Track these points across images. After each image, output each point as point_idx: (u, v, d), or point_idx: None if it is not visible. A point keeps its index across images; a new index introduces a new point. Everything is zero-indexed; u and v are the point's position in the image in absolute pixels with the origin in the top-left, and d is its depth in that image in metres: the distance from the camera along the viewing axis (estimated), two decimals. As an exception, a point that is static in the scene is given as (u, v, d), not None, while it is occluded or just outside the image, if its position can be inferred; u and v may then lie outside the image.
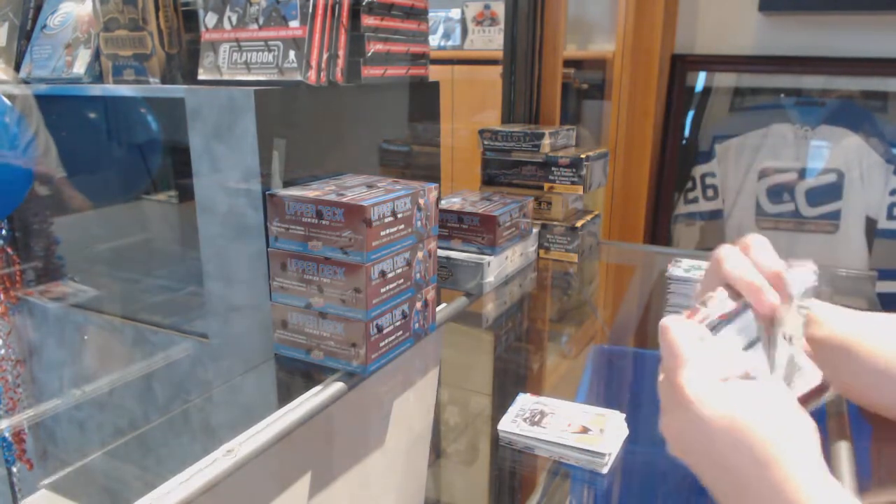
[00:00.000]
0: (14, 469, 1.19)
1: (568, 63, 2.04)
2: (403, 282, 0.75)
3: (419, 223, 0.77)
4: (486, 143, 1.28)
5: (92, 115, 1.15)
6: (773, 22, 1.93)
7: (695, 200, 2.04)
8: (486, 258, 1.01)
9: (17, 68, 1.02)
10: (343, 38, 0.83)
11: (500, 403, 0.88)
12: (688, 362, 0.46)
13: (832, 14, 1.83)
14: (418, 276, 0.78)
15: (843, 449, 0.65)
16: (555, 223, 1.24)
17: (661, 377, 0.49)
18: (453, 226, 1.05)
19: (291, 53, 0.78)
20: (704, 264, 1.11)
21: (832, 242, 1.88)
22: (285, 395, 0.73)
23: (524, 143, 1.24)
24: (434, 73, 1.04)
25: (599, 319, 1.34)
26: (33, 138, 1.05)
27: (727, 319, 0.50)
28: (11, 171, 1.03)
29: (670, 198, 2.08)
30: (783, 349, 0.52)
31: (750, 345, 0.50)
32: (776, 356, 0.51)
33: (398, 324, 0.76)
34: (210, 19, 0.83)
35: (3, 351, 1.16)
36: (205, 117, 0.78)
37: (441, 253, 1.03)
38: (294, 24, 0.78)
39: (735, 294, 0.52)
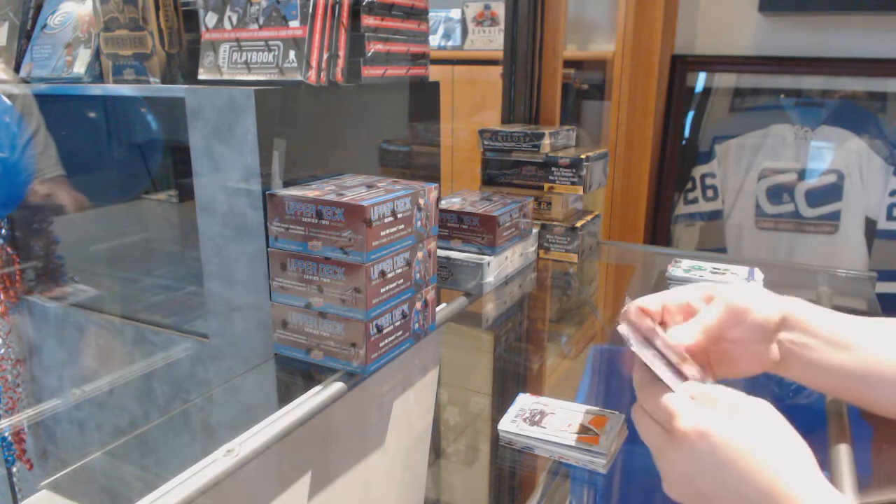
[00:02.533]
0: (14, 469, 1.19)
1: (568, 63, 2.04)
2: (403, 282, 0.75)
3: (419, 223, 0.77)
4: (486, 143, 1.28)
5: (92, 115, 1.15)
6: (773, 22, 1.93)
7: (695, 201, 2.04)
8: (486, 258, 1.01)
9: (18, 68, 1.02)
10: (343, 38, 0.83)
11: (500, 403, 0.88)
12: (675, 412, 0.48)
13: (832, 14, 1.83)
14: (418, 276, 0.78)
15: (843, 449, 0.65)
16: (555, 223, 1.24)
17: (657, 442, 0.50)
18: (453, 226, 1.05)
19: (291, 53, 0.78)
20: (705, 265, 1.11)
21: (832, 243, 1.88)
22: (285, 395, 0.73)
23: (524, 143, 1.24)
24: (434, 73, 1.04)
25: (599, 319, 1.34)
26: (32, 137, 1.05)
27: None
28: (11, 171, 1.03)
29: (670, 198, 2.08)
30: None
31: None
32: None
33: (398, 324, 0.76)
34: (210, 19, 0.84)
35: (2, 350, 1.16)
36: (205, 117, 0.78)
37: (441, 253, 1.03)
38: (294, 24, 0.78)
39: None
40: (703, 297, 0.60)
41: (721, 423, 0.45)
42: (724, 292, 0.59)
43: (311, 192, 0.72)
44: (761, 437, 0.44)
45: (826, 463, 0.65)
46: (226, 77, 0.82)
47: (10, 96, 1.01)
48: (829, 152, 1.88)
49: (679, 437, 0.46)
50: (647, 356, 0.51)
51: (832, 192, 1.87)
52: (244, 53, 0.81)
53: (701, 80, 2.04)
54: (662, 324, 0.61)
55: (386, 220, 0.71)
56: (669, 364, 0.52)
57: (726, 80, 2.02)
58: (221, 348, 0.87)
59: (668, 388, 0.50)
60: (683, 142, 2.06)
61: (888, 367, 0.55)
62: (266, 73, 0.80)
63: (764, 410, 0.47)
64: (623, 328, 0.56)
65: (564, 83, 1.64)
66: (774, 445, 0.44)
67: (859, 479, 0.61)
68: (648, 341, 0.54)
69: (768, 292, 0.60)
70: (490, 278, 1.02)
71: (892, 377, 0.55)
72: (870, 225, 1.85)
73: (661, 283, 1.07)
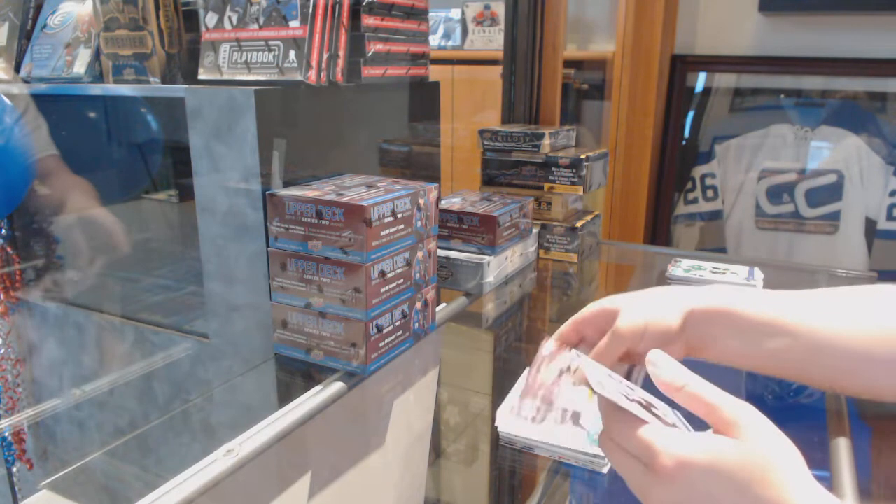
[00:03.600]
0: (14, 469, 1.19)
1: (568, 63, 2.04)
2: (403, 282, 0.75)
3: (419, 223, 0.77)
4: (486, 143, 1.28)
5: (92, 115, 1.15)
6: (773, 22, 1.93)
7: (695, 201, 2.04)
8: (486, 258, 1.01)
9: (18, 68, 1.02)
10: (343, 38, 0.83)
11: (500, 403, 0.88)
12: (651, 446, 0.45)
13: (832, 14, 1.83)
14: (418, 276, 0.78)
15: (843, 450, 0.65)
16: (555, 223, 1.24)
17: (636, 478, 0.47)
18: (453, 226, 1.05)
19: (292, 53, 0.78)
20: (705, 265, 1.11)
21: (832, 243, 1.88)
22: (285, 395, 0.73)
23: (524, 143, 1.24)
24: (434, 73, 1.04)
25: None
26: (32, 137, 1.05)
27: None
28: (11, 170, 1.03)
29: (670, 198, 2.08)
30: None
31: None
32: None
33: (398, 324, 0.76)
34: (210, 19, 0.84)
35: (2, 350, 1.16)
36: (205, 117, 0.78)
37: (441, 253, 1.03)
38: (294, 24, 0.78)
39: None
40: (607, 310, 0.59)
41: (703, 449, 0.43)
42: (620, 317, 0.57)
43: (311, 192, 0.72)
44: (748, 454, 0.43)
45: (826, 463, 0.65)
46: (226, 77, 0.82)
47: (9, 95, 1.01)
48: (829, 152, 1.88)
49: (663, 474, 0.44)
50: (604, 388, 0.49)
51: (832, 192, 1.87)
52: (244, 53, 0.81)
53: (701, 80, 2.04)
54: (582, 341, 0.61)
55: (386, 220, 0.71)
56: (624, 390, 0.50)
57: (726, 80, 2.02)
58: (221, 348, 0.87)
59: (637, 418, 0.47)
60: (683, 142, 2.06)
61: (830, 344, 0.54)
62: (266, 73, 0.80)
63: (747, 416, 0.45)
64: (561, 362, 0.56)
65: (564, 83, 1.64)
66: (763, 458, 0.43)
67: (859, 479, 0.61)
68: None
69: (664, 294, 0.59)
70: (490, 278, 1.02)
71: (832, 350, 0.54)
72: (870, 225, 1.85)
73: (662, 283, 1.07)
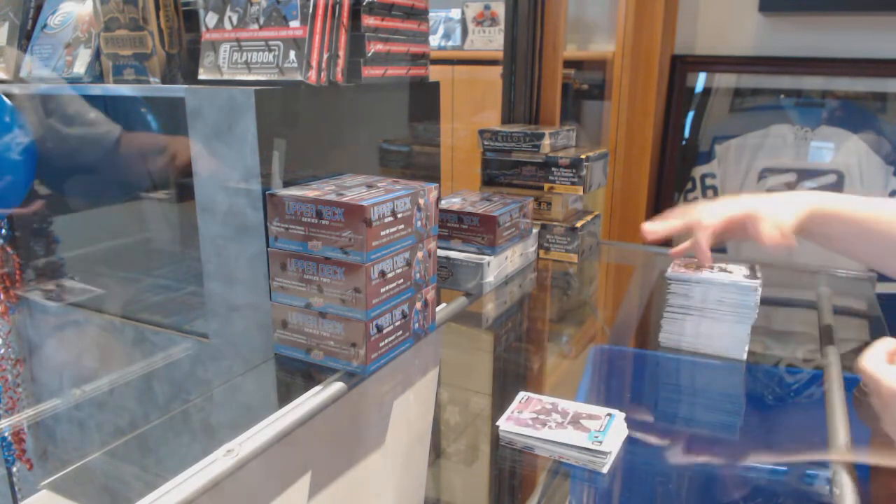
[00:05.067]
0: (14, 469, 1.19)
1: (568, 63, 2.04)
2: (403, 282, 0.75)
3: (419, 223, 0.77)
4: (486, 143, 1.28)
5: (92, 115, 1.15)
6: (773, 22, 1.93)
7: (695, 201, 2.04)
8: (486, 258, 1.01)
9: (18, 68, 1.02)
10: (343, 38, 0.83)
11: (500, 403, 0.88)
12: None
13: (832, 14, 1.83)
14: (418, 276, 0.78)
15: (843, 447, 0.65)
16: (555, 223, 1.24)
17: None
18: (453, 226, 1.05)
19: (292, 53, 0.78)
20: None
21: (832, 243, 1.88)
22: (285, 395, 0.73)
23: (524, 143, 1.24)
24: (434, 73, 1.04)
25: (599, 319, 1.34)
26: (33, 138, 1.05)
27: None
28: (11, 170, 1.03)
29: (670, 198, 2.08)
30: None
31: None
32: None
33: (398, 324, 0.76)
34: (210, 19, 0.84)
35: (2, 350, 1.16)
36: (205, 117, 0.78)
37: (441, 253, 1.03)
38: (294, 24, 0.78)
39: None
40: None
41: None
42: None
43: (311, 192, 0.72)
44: None
45: (826, 463, 0.65)
46: (226, 77, 0.82)
47: (10, 96, 1.01)
48: (829, 152, 1.88)
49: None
50: None
51: (832, 192, 1.87)
52: (244, 53, 0.81)
53: (701, 81, 2.04)
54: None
55: (386, 220, 0.71)
56: None
57: (726, 80, 2.02)
58: (221, 348, 0.87)
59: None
60: (683, 142, 2.06)
61: None
62: (266, 73, 0.80)
63: None
64: None
65: (564, 83, 1.64)
66: None
67: (858, 478, 0.61)
68: None
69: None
70: (490, 278, 1.02)
71: None
72: (870, 225, 1.85)
73: (661, 283, 1.07)
